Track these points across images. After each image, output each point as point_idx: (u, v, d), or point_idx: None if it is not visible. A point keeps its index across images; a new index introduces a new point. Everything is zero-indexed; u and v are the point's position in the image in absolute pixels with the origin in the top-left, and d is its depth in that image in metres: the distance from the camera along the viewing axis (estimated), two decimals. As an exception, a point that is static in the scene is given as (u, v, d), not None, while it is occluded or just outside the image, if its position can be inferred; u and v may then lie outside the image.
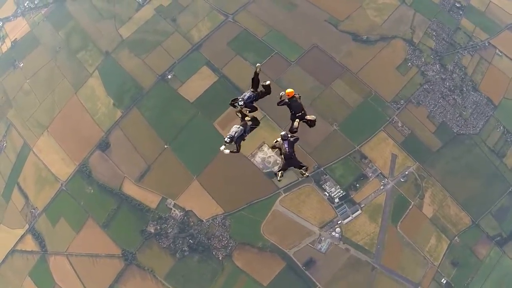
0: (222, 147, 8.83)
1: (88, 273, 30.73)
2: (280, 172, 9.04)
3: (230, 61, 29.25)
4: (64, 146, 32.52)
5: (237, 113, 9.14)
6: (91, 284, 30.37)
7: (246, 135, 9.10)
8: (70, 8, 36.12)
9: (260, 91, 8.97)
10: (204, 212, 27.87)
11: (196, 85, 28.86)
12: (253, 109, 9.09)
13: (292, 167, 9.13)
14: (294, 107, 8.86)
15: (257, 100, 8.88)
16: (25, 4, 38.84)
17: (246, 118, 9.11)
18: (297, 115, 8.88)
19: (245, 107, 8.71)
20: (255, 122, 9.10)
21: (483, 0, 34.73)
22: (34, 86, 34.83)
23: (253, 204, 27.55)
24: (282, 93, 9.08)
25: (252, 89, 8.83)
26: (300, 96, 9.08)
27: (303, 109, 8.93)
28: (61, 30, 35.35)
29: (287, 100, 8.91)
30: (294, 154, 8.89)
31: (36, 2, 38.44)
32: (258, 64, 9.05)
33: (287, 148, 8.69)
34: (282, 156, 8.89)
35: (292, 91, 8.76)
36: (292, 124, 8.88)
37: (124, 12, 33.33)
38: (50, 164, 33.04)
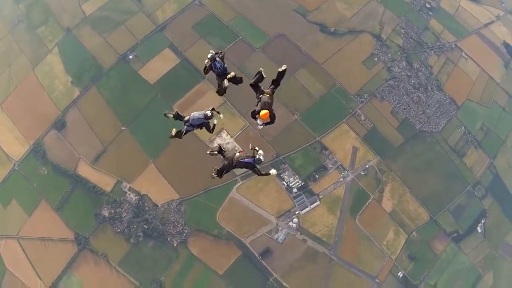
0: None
1: (40, 257, 29.32)
2: (217, 174, 8.27)
3: (193, 44, 28.43)
4: (19, 124, 30.75)
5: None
6: (43, 269, 28.99)
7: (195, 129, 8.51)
8: (33, -20, 34.71)
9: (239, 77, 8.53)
10: (159, 197, 27.00)
11: (158, 67, 27.88)
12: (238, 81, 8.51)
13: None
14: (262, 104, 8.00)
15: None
16: (-13, -26, 36.97)
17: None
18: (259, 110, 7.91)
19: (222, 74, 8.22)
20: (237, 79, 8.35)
21: (453, 3, 35.45)
22: (-10, 60, 33.19)
23: (210, 191, 26.92)
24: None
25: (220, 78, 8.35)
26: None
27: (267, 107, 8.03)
28: (22, 3, 33.33)
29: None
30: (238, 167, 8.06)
31: (-1, -28, 36.71)
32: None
33: (244, 162, 7.78)
34: (234, 159, 8.10)
35: (266, 113, 7.88)
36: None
37: (89, -12, 32.36)
38: (3, 142, 31.18)
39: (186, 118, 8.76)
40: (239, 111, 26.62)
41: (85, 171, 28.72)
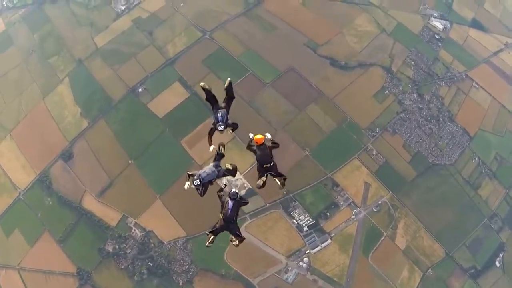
0: (186, 185, 7.68)
1: None
2: (211, 237, 7.68)
3: (203, 78, 27.69)
4: (26, 153, 30.39)
5: (217, 150, 7.85)
6: None
7: (215, 180, 7.70)
8: (48, 12, 34.69)
9: (224, 104, 7.75)
10: (165, 234, 25.93)
11: (167, 101, 27.52)
12: (235, 126, 7.78)
13: (228, 232, 7.77)
14: (260, 156, 7.33)
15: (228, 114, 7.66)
16: (4, 3, 37.63)
17: (227, 165, 7.70)
18: (264, 166, 7.34)
19: (226, 127, 7.49)
20: (232, 171, 7.75)
21: (461, 33, 35.14)
22: (2, 87, 32.78)
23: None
24: (251, 135, 7.77)
25: (215, 108, 7.74)
26: (273, 144, 7.56)
27: (271, 160, 7.38)
28: (36, 33, 33.76)
29: (254, 148, 7.50)
30: (236, 218, 7.58)
31: (15, 2, 37.07)
32: (202, 84, 7.87)
33: (229, 210, 7.36)
34: (222, 216, 7.57)
35: (262, 138, 7.28)
36: (259, 178, 7.40)
37: (102, 21, 32.15)
38: (9, 170, 30.74)
39: (196, 178, 7.58)
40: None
41: (91, 204, 27.88)
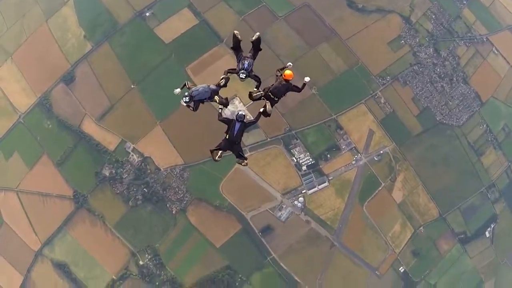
0: (182, 101, 7.47)
1: (37, 212, 28.22)
2: (219, 152, 7.47)
3: (214, 6, 26.57)
4: (27, 76, 29.37)
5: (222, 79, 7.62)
6: (39, 224, 27.87)
7: (207, 101, 7.60)
8: None
9: (250, 53, 7.62)
10: (163, 161, 25.51)
11: (174, 27, 26.16)
12: (258, 80, 7.72)
13: (231, 152, 7.63)
14: (276, 88, 7.38)
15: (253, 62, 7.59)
16: None
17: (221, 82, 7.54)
18: (271, 96, 7.38)
19: (248, 77, 7.47)
20: (224, 101, 7.59)
21: (489, -5, 33.28)
22: (4, 9, 31.23)
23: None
24: (278, 73, 7.59)
25: (240, 55, 7.59)
26: (295, 87, 7.53)
27: (281, 97, 7.48)
28: (40, -49, 32.37)
29: (278, 78, 7.43)
30: (240, 140, 7.47)
31: None
32: (236, 32, 7.68)
33: (235, 132, 7.25)
34: (226, 136, 7.45)
35: (291, 75, 7.26)
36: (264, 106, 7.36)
37: None
38: (10, 93, 29.91)
39: (186, 95, 7.49)
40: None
41: (90, 128, 27.23)
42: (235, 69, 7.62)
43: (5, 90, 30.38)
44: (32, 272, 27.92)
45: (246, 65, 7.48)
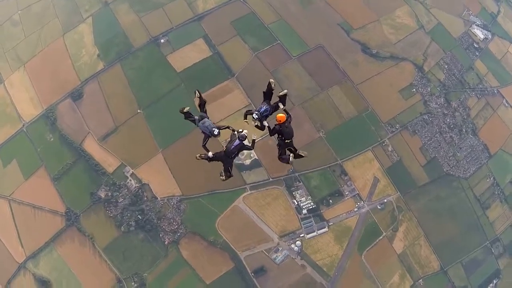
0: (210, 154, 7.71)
1: (27, 224, 27.23)
2: (203, 154, 7.85)
3: (228, 40, 26.52)
4: (37, 86, 29.11)
5: (246, 121, 8.24)
6: (27, 236, 26.78)
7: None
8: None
9: (274, 104, 7.97)
10: (160, 189, 24.64)
11: (187, 56, 25.97)
12: (262, 128, 8.13)
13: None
14: (286, 134, 7.76)
15: (271, 114, 8.04)
16: None
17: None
18: (286, 141, 7.80)
19: (259, 120, 7.89)
20: (251, 146, 8.14)
21: (501, 48, 32.56)
22: (24, 18, 31.51)
23: (214, 194, 24.42)
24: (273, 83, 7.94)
25: (266, 102, 7.94)
26: (290, 120, 7.98)
27: (293, 134, 7.90)
28: (65, -31, 32.97)
29: (278, 127, 7.77)
30: (234, 157, 7.85)
31: None
32: (271, 80, 8.07)
33: (233, 147, 7.60)
34: (224, 149, 7.81)
35: (283, 116, 7.58)
36: (282, 153, 7.93)
37: (134, -34, 31.11)
38: (17, 101, 29.59)
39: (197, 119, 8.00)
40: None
41: (91, 147, 26.60)
42: (251, 110, 7.93)
43: (13, 97, 30.12)
44: (12, 284, 26.74)
45: (262, 109, 7.64)
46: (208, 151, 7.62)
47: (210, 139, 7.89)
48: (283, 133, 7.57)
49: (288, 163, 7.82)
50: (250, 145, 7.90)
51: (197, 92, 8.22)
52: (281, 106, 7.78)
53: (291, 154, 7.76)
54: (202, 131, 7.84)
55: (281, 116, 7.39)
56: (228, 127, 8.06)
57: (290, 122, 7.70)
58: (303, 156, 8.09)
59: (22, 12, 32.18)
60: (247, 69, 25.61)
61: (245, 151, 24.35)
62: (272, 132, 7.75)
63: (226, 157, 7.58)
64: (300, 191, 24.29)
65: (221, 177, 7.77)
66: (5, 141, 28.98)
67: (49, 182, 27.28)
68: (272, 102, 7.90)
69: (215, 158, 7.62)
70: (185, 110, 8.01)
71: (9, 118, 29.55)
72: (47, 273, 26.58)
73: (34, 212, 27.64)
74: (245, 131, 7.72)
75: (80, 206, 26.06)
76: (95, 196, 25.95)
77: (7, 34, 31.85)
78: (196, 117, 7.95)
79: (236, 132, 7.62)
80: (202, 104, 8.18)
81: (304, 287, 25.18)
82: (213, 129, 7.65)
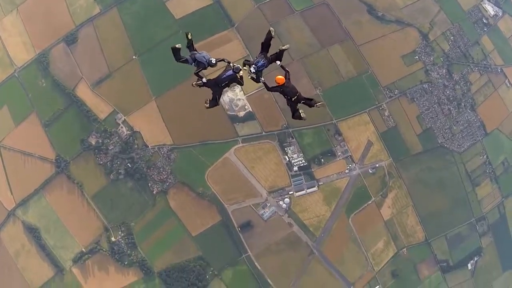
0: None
1: (17, 171, 26.72)
2: (198, 81, 7.53)
3: (230, -12, 25.82)
4: (30, 30, 27.86)
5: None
6: (17, 183, 26.40)
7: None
8: None
9: (271, 57, 7.58)
10: (152, 138, 24.12)
11: (187, 3, 24.84)
12: (258, 81, 7.73)
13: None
14: (288, 92, 7.52)
15: (267, 67, 7.69)
16: None
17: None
18: (293, 99, 7.53)
19: (255, 74, 7.56)
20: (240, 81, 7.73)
21: (510, 27, 31.68)
22: (18, -41, 30.56)
23: (206, 145, 23.95)
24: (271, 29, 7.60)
25: (263, 55, 7.56)
26: (289, 76, 7.67)
27: (296, 90, 7.60)
28: None
29: (279, 88, 7.47)
30: (224, 87, 7.61)
31: None
32: (271, 28, 7.69)
33: (224, 76, 7.37)
34: (216, 77, 7.56)
35: (282, 79, 7.34)
36: (296, 112, 7.62)
37: None
38: (9, 45, 28.30)
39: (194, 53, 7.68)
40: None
41: (84, 93, 25.75)
42: (249, 61, 7.59)
43: (5, 41, 28.82)
44: (2, 231, 26.56)
45: (260, 63, 7.36)
46: (201, 77, 7.38)
47: (204, 70, 7.58)
48: (285, 92, 7.39)
49: (302, 118, 7.61)
50: (241, 82, 7.59)
51: (189, 35, 7.86)
52: (278, 62, 7.44)
53: (302, 112, 7.53)
54: (198, 61, 7.48)
55: (280, 78, 7.17)
56: (223, 60, 7.69)
57: (289, 79, 7.45)
58: (312, 102, 7.67)
59: (17, -48, 30.88)
60: (247, 20, 24.66)
61: (240, 103, 23.48)
62: (270, 89, 7.52)
63: (216, 85, 7.40)
64: (292, 147, 23.87)
65: (205, 104, 7.58)
66: (-3, 85, 28.52)
67: (40, 128, 26.59)
68: (269, 53, 7.58)
69: (207, 84, 7.44)
70: (176, 46, 7.68)
71: (0, 63, 28.57)
72: (35, 220, 26.38)
73: (24, 158, 27.12)
74: (238, 65, 7.39)
75: (70, 153, 25.59)
76: (86, 143, 25.34)
77: (1, -26, 30.80)
78: (188, 57, 7.59)
79: (231, 64, 7.34)
80: (191, 45, 7.84)
81: (289, 245, 25.26)
82: (210, 58, 7.41)
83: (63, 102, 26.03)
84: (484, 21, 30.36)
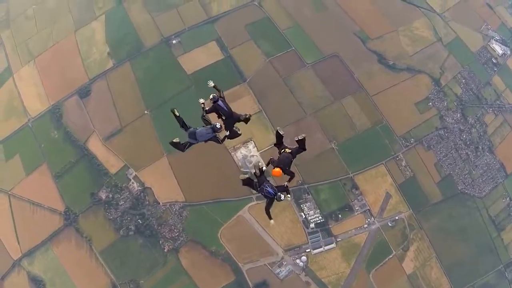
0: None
1: (25, 221, 25.88)
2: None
3: (242, 43, 25.35)
4: (45, 82, 28.09)
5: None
6: (24, 233, 25.48)
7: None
8: None
9: (292, 151, 7.69)
10: (163, 194, 23.24)
11: (199, 58, 24.83)
12: (292, 176, 7.90)
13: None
14: (280, 160, 7.58)
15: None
16: None
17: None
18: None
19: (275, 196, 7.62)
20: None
21: (520, 64, 31.66)
22: (38, 13, 30.71)
23: (219, 202, 22.93)
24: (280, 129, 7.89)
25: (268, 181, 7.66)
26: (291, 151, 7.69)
27: (289, 168, 7.68)
28: (81, -34, 32.38)
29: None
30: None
31: None
32: (278, 128, 7.86)
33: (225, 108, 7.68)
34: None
35: (279, 172, 7.41)
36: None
37: (149, -34, 30.33)
38: (25, 95, 28.58)
39: (191, 130, 7.77)
40: (273, 124, 23.00)
41: (95, 146, 25.34)
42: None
43: (21, 91, 29.12)
44: (6, 280, 25.39)
45: (268, 189, 7.35)
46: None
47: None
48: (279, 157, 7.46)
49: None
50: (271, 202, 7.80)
51: (175, 111, 7.89)
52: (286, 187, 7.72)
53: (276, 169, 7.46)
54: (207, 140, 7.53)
55: (276, 172, 7.28)
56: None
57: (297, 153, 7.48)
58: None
59: (37, 7, 31.41)
60: (259, 75, 24.42)
61: (254, 160, 22.90)
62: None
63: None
64: (308, 203, 22.67)
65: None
66: (10, 135, 27.93)
67: (50, 179, 26.03)
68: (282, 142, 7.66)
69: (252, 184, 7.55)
70: (174, 141, 8.01)
71: (15, 112, 28.51)
72: (41, 272, 25.18)
73: (33, 209, 26.35)
74: (287, 197, 7.54)
75: (80, 206, 24.76)
76: (96, 197, 24.58)
77: (20, 27, 31.14)
78: (189, 140, 7.69)
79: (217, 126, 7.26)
80: (183, 123, 7.99)
81: (307, 305, 23.64)
82: (215, 124, 7.40)
83: (74, 154, 25.58)
84: (494, 61, 29.86)
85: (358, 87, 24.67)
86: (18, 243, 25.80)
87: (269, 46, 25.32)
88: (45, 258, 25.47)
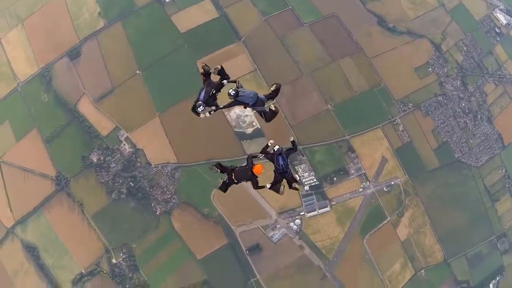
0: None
1: (17, 188, 25.01)
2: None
3: (237, 1, 24.07)
4: (34, 45, 26.70)
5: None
6: (16, 200, 24.65)
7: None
8: None
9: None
10: (155, 156, 22.44)
11: (192, 16, 23.61)
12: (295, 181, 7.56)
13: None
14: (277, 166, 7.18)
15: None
16: None
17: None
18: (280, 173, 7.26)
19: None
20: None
21: (523, 36, 30.66)
22: (24, -26, 29.97)
23: (212, 163, 22.92)
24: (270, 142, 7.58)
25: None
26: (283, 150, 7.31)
27: (289, 169, 7.34)
28: None
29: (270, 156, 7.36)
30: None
31: None
32: (271, 141, 7.51)
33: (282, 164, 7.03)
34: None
35: (260, 169, 7.13)
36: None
37: None
38: (13, 59, 27.17)
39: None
40: (268, 83, 21.92)
41: (86, 108, 24.31)
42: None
43: (10, 55, 27.71)
44: (1, 249, 24.90)
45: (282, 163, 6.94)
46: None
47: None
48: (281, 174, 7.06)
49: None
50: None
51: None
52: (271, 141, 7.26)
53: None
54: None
55: (258, 168, 6.91)
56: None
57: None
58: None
59: (24, -32, 30.35)
60: (255, 34, 23.31)
61: (248, 119, 22.02)
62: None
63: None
64: (303, 165, 22.01)
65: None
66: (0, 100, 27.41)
67: (41, 144, 25.04)
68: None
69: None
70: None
71: (3, 77, 27.14)
72: (34, 239, 24.50)
73: (24, 175, 25.47)
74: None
75: (71, 170, 23.95)
76: (87, 160, 23.72)
77: (7, -10, 30.22)
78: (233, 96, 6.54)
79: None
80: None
81: (300, 269, 22.96)
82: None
83: (65, 117, 24.56)
84: (497, 30, 28.71)
85: (357, 48, 23.63)
86: (11, 210, 25.17)
87: (266, 5, 24.07)
88: (37, 225, 24.78)
